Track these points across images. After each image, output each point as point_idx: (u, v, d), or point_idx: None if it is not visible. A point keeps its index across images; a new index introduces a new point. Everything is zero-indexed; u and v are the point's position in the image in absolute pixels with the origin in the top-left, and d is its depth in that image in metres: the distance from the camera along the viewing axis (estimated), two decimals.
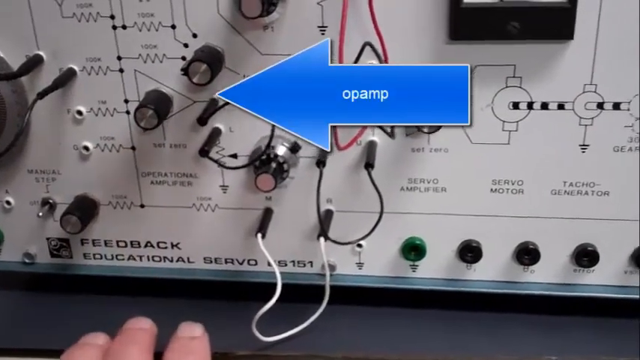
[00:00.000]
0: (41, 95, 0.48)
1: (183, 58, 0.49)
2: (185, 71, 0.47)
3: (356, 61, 0.44)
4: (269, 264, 0.55)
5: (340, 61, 0.44)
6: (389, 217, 0.51)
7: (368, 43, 0.44)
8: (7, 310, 0.58)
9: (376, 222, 0.48)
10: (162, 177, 0.53)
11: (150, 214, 0.55)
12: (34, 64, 0.50)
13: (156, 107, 0.48)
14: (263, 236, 0.51)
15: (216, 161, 0.49)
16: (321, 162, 0.48)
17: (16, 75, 0.48)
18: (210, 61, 0.47)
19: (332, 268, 0.55)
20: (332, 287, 0.52)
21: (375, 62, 0.46)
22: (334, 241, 0.49)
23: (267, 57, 0.48)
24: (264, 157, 0.50)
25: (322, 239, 0.50)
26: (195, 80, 0.47)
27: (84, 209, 0.54)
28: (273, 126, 0.44)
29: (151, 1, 0.48)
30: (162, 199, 0.54)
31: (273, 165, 0.49)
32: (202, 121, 0.48)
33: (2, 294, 0.59)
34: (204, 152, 0.48)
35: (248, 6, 0.44)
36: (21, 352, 0.52)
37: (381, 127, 0.46)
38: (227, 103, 0.46)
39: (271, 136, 0.47)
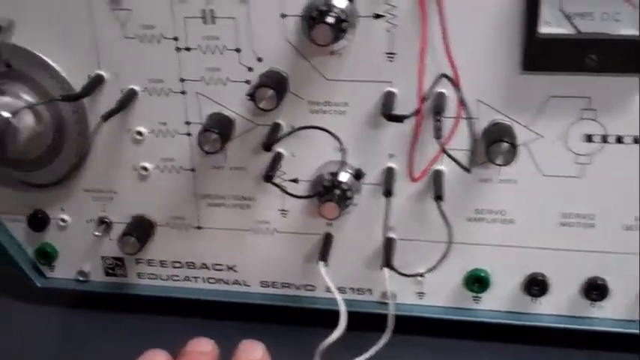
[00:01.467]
0: (106, 117, 0.47)
1: (247, 82, 0.48)
2: (251, 96, 0.46)
3: (431, 90, 0.43)
4: (328, 290, 0.54)
5: (420, 94, 0.43)
6: (453, 247, 0.50)
7: (444, 75, 0.42)
8: (59, 327, 0.57)
9: (443, 254, 0.47)
10: (221, 199, 0.53)
11: (207, 236, 0.54)
12: (95, 84, 0.49)
13: (220, 131, 0.47)
14: (325, 264, 0.50)
15: (280, 188, 0.48)
16: (388, 191, 0.47)
17: (79, 96, 0.48)
18: (277, 86, 0.46)
19: (392, 296, 0.53)
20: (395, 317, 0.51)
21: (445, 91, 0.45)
22: (399, 273, 0.48)
23: (333, 82, 0.47)
24: (328, 184, 0.48)
25: (386, 269, 0.49)
26: (261, 106, 0.46)
27: (141, 230, 0.53)
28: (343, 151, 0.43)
29: (217, 25, 0.47)
30: (220, 221, 0.53)
31: (337, 192, 0.48)
32: (267, 147, 0.47)
33: (55, 311, 0.58)
34: (268, 178, 0.47)
35: (319, 33, 0.43)
36: None
37: (456, 160, 0.45)
38: (295, 130, 0.45)
39: (341, 165, 0.45)
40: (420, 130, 0.45)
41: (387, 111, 0.45)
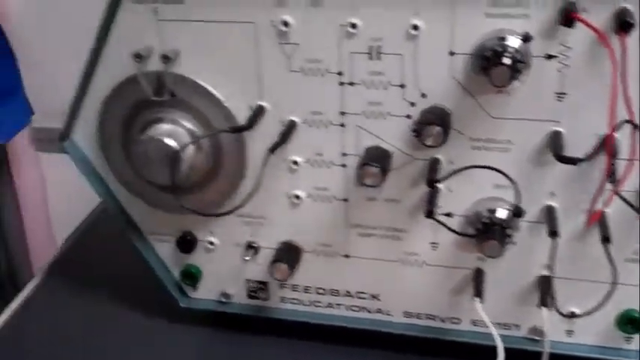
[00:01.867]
0: (272, 150, 0.48)
1: (408, 117, 0.48)
2: (417, 133, 0.46)
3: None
4: (473, 323, 0.54)
5: (610, 141, 0.42)
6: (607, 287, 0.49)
7: (628, 121, 0.42)
8: (200, 347, 0.58)
9: (605, 297, 0.46)
10: (372, 230, 0.53)
11: (353, 265, 0.54)
12: (258, 115, 0.50)
13: (380, 165, 0.48)
14: (481, 300, 0.50)
15: (443, 224, 0.48)
16: (553, 232, 0.46)
17: (245, 128, 0.49)
18: (443, 123, 0.46)
19: (539, 333, 0.53)
20: (539, 353, 0.50)
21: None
22: (560, 313, 0.47)
23: (498, 120, 0.47)
24: (487, 220, 0.48)
25: (545, 309, 0.48)
26: (428, 142, 0.46)
27: (291, 256, 0.54)
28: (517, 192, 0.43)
29: (382, 61, 0.47)
30: (369, 251, 0.54)
31: (498, 229, 0.48)
32: (432, 184, 0.47)
33: (196, 331, 0.59)
34: (430, 213, 0.47)
35: (498, 75, 0.42)
36: None
37: (630, 204, 0.44)
38: (464, 169, 0.45)
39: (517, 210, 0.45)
40: (606, 178, 0.44)
41: (558, 152, 0.45)
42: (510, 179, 0.45)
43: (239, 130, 0.49)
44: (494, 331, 0.48)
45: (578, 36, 0.44)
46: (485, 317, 0.49)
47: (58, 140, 0.54)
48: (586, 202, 0.48)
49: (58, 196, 1.24)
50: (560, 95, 0.45)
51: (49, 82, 1.07)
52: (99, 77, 0.52)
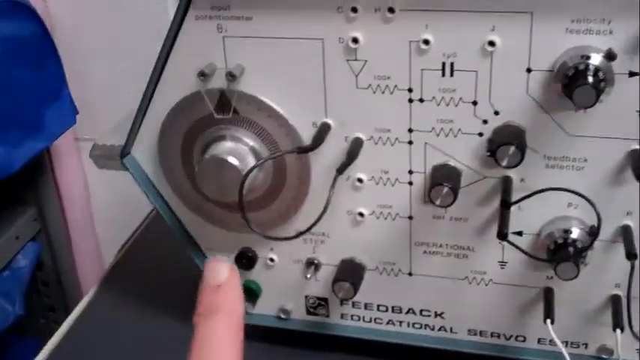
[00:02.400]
0: (341, 170, 0.47)
1: (480, 134, 0.47)
2: (492, 153, 0.45)
3: None
4: (539, 342, 0.53)
5: None
6: None
7: None
8: None
9: None
10: (437, 248, 0.52)
11: (417, 283, 0.53)
12: (323, 133, 0.49)
13: (452, 185, 0.47)
14: (552, 322, 0.49)
15: (518, 247, 0.47)
16: (631, 254, 0.45)
17: (311, 148, 0.48)
18: (519, 143, 0.45)
19: (609, 352, 0.52)
20: None
21: None
22: (635, 335, 0.46)
23: (575, 138, 0.46)
24: (560, 241, 0.47)
25: (618, 331, 0.47)
26: (503, 163, 0.45)
27: (354, 274, 0.53)
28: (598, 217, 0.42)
29: (455, 77, 0.46)
30: (433, 269, 0.53)
31: (571, 250, 0.47)
32: (508, 205, 0.45)
33: (255, 347, 0.58)
34: (504, 236, 0.46)
35: (583, 96, 0.41)
36: None
37: None
38: (542, 191, 0.43)
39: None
40: None
41: (637, 171, 0.43)
42: (589, 201, 0.44)
43: (305, 150, 0.48)
44: (566, 352, 0.47)
45: None
46: (557, 340, 0.48)
47: (118, 157, 0.53)
48: None
49: (102, 199, 1.24)
50: None
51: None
52: (161, 93, 0.51)
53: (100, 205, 1.26)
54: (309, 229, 0.47)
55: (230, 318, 0.33)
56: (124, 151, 0.54)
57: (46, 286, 1.27)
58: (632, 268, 0.45)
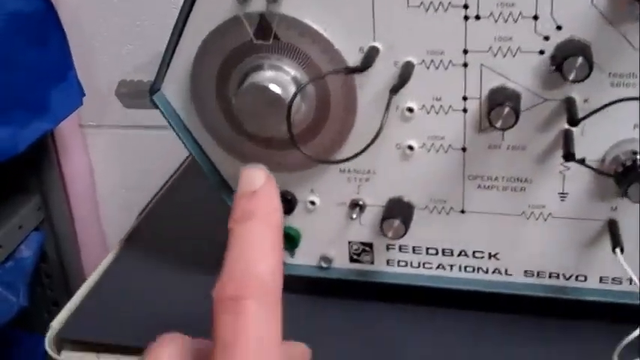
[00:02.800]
0: (394, 90, 0.44)
1: (541, 52, 0.44)
2: (558, 65, 0.42)
3: None
4: (601, 280, 0.50)
5: None
6: None
7: None
8: (299, 317, 0.54)
9: None
10: (492, 181, 0.49)
11: (470, 221, 0.50)
12: (371, 56, 0.46)
13: (514, 105, 0.44)
14: (622, 251, 0.46)
15: (589, 166, 0.44)
16: None
17: (361, 69, 0.45)
18: (586, 54, 0.42)
19: None
20: None
21: None
22: None
23: None
24: (629, 163, 0.44)
25: None
26: (571, 77, 0.42)
27: (404, 212, 0.50)
28: None
29: None
30: (488, 205, 0.49)
31: None
32: (576, 122, 0.42)
33: (295, 300, 0.55)
34: (570, 156, 0.43)
35: None
36: None
37: None
38: (616, 102, 0.40)
39: None
40: None
41: None
42: None
43: (353, 71, 0.45)
44: (636, 279, 0.44)
45: None
46: (630, 271, 0.45)
47: (147, 94, 0.50)
48: None
49: (107, 188, 1.21)
50: None
51: None
52: (194, 21, 0.48)
53: (106, 194, 1.23)
54: (362, 151, 0.44)
55: (267, 223, 0.30)
56: (154, 87, 0.50)
57: (50, 278, 1.23)
58: None
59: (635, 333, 0.43)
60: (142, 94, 0.50)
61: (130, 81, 0.50)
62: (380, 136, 0.47)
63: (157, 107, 0.51)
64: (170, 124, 0.51)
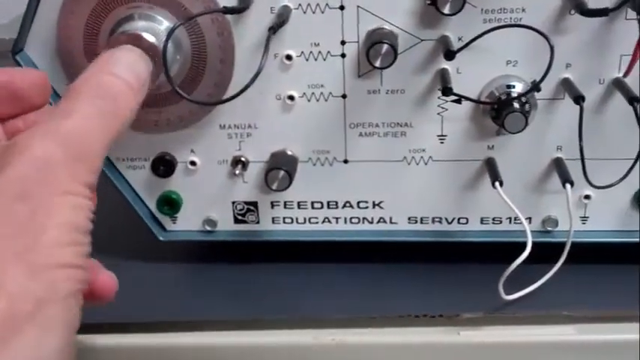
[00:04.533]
0: (273, 29, 0.43)
1: None
2: (433, 1, 0.43)
3: None
4: (482, 221, 0.51)
5: None
6: (622, 163, 0.47)
7: None
8: (187, 284, 0.52)
9: (632, 166, 0.44)
10: (373, 128, 0.49)
11: (353, 171, 0.50)
12: (247, 0, 0.45)
13: (392, 43, 0.44)
14: (501, 184, 0.47)
15: (463, 97, 0.44)
16: (579, 96, 0.44)
17: (241, 9, 0.44)
18: None
19: (554, 223, 0.50)
20: (554, 244, 0.48)
21: None
22: (593, 185, 0.45)
23: None
24: (504, 96, 0.45)
25: (569, 186, 0.46)
26: (446, 10, 0.43)
27: (288, 164, 0.49)
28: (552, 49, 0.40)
29: None
30: (370, 152, 0.50)
31: (516, 105, 0.45)
32: (452, 55, 0.43)
33: (181, 267, 0.53)
34: (448, 90, 0.44)
35: None
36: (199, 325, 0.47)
37: None
38: (489, 31, 0.41)
39: None
40: None
41: (585, 7, 0.42)
42: (542, 34, 0.42)
43: (231, 11, 0.44)
44: (526, 224, 0.46)
45: None
46: (509, 201, 0.46)
47: (9, 53, 0.47)
48: (603, 69, 0.46)
49: None
50: None
51: None
52: None
53: None
54: (242, 91, 0.43)
55: None
56: (16, 46, 0.47)
57: None
58: (581, 110, 0.44)
59: (516, 262, 0.45)
60: (4, 54, 0.47)
61: None
62: (260, 87, 0.46)
63: (20, 67, 0.47)
64: None
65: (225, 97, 0.48)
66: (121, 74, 0.33)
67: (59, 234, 0.27)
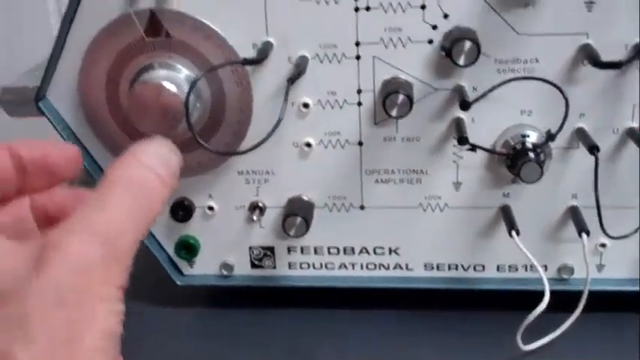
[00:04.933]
0: (292, 80, 0.44)
1: (430, 42, 0.46)
2: (447, 51, 0.43)
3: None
4: (498, 269, 0.51)
5: None
6: (637, 212, 0.47)
7: None
8: (203, 328, 0.52)
9: None
10: (389, 174, 0.49)
11: (370, 217, 0.51)
12: (266, 51, 0.46)
13: (407, 93, 0.45)
14: (518, 233, 0.47)
15: (481, 147, 0.45)
16: (594, 147, 0.44)
17: (258, 61, 0.44)
18: (474, 39, 0.43)
19: (570, 271, 0.50)
20: (570, 293, 0.48)
21: None
22: (610, 236, 0.45)
23: (524, 37, 0.45)
24: (519, 146, 0.46)
25: (585, 236, 0.46)
26: (461, 62, 0.43)
27: (305, 210, 0.49)
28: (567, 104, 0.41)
29: None
30: (386, 199, 0.50)
31: (532, 155, 0.45)
32: (467, 105, 0.44)
33: (198, 312, 0.54)
34: (464, 140, 0.44)
35: None
36: None
37: None
38: (508, 81, 0.42)
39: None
40: None
41: (597, 59, 0.43)
42: (556, 86, 0.42)
43: (250, 62, 0.44)
44: (542, 272, 0.46)
45: None
46: (527, 252, 0.46)
47: (32, 101, 0.48)
48: (617, 118, 0.46)
49: None
50: (590, 4, 0.44)
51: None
52: (81, 21, 0.47)
53: None
54: (261, 142, 0.43)
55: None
56: (40, 94, 0.48)
57: None
58: (597, 161, 0.44)
59: (535, 312, 0.45)
60: (28, 101, 0.48)
61: (13, 88, 0.48)
62: (277, 134, 0.47)
63: (43, 114, 0.49)
64: (58, 131, 0.49)
65: (243, 143, 0.48)
66: (154, 167, 0.32)
67: (94, 342, 0.27)
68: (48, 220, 0.36)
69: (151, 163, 0.32)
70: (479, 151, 0.48)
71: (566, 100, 0.42)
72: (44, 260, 0.27)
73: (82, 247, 0.28)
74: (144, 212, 0.31)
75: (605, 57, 0.44)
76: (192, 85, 0.42)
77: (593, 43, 0.45)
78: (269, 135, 0.43)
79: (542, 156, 0.46)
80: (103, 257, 0.28)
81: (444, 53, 0.44)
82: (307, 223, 0.48)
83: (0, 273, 0.27)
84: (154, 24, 0.46)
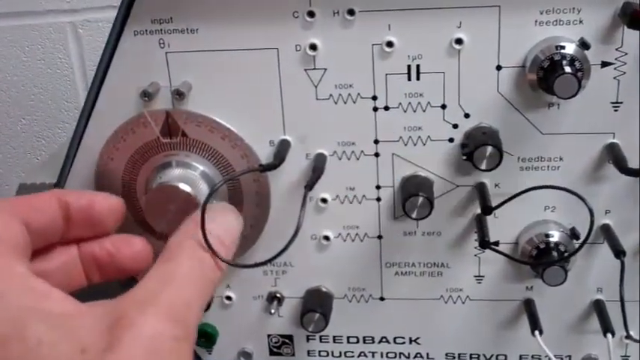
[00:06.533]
0: (309, 186, 0.43)
1: (451, 140, 0.45)
2: (468, 156, 0.42)
3: None
4: (521, 359, 0.50)
5: None
6: None
7: None
8: None
9: None
10: (409, 267, 0.48)
11: (390, 308, 0.50)
12: (283, 151, 0.45)
13: (427, 195, 0.44)
14: (541, 332, 0.46)
15: (502, 253, 0.44)
16: (620, 251, 0.43)
17: (276, 165, 0.44)
18: (496, 143, 0.42)
19: None
20: None
21: None
22: (635, 340, 0.44)
23: (548, 136, 0.44)
24: (542, 245, 0.45)
25: (610, 336, 0.45)
26: (483, 167, 0.42)
27: (324, 304, 0.49)
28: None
29: (422, 81, 0.43)
30: (406, 291, 0.49)
31: (555, 254, 0.44)
32: (489, 211, 0.43)
33: None
34: (485, 244, 0.43)
35: (564, 86, 0.39)
36: None
37: None
38: (527, 190, 0.41)
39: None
40: None
41: (622, 164, 0.42)
42: (579, 196, 0.41)
43: (269, 168, 0.44)
44: None
45: (631, 39, 0.41)
46: (548, 350, 0.45)
47: None
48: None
49: None
50: (616, 105, 0.43)
51: None
52: (98, 119, 0.46)
53: None
54: (281, 252, 0.43)
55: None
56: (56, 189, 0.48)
57: None
58: (623, 265, 0.43)
59: None
60: None
61: (30, 184, 0.47)
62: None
63: None
64: None
65: (260, 237, 0.48)
66: (218, 234, 0.33)
67: None
68: (97, 266, 0.37)
69: (215, 230, 0.33)
70: (501, 246, 0.47)
71: (591, 210, 0.40)
72: (118, 338, 0.27)
73: (155, 328, 0.28)
74: (208, 280, 0.32)
75: (630, 154, 0.43)
76: (211, 193, 0.41)
77: (619, 143, 0.43)
78: (289, 244, 0.42)
79: (565, 255, 0.45)
80: (176, 337, 0.28)
81: (465, 157, 0.43)
82: (326, 318, 0.48)
83: (80, 333, 0.28)
84: (170, 124, 0.45)
